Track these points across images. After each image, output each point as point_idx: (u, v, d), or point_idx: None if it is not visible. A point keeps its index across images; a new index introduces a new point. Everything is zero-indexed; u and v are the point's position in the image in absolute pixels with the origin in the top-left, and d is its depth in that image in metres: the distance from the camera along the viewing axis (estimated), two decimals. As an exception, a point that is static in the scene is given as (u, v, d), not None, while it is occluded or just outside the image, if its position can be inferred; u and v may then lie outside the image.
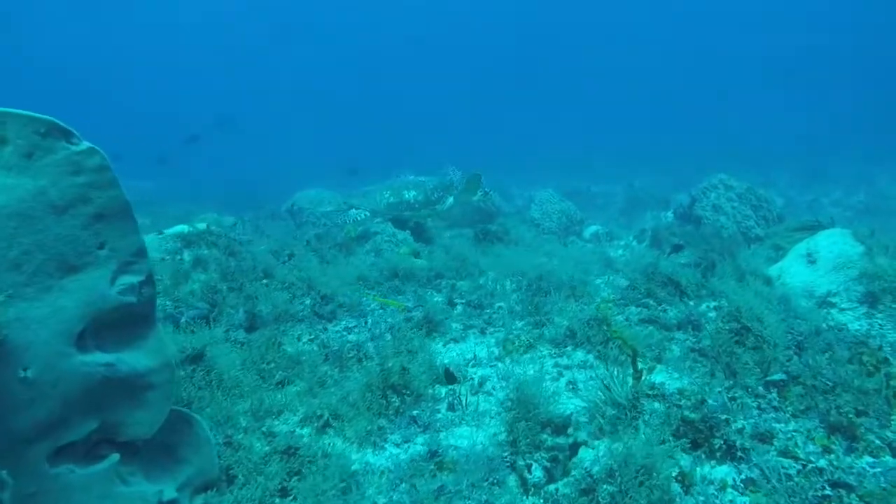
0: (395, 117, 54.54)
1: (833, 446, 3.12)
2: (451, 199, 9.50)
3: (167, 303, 5.34)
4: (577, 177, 22.42)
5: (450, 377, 3.95)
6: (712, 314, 5.05)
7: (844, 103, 42.80)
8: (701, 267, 5.99)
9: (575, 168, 24.80)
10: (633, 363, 3.67)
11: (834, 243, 6.10)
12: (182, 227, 6.06)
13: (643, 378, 3.80)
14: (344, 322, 5.28)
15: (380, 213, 9.24)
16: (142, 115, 54.74)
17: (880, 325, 4.97)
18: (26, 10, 56.20)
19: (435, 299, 5.87)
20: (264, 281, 6.43)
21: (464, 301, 5.68)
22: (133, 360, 2.66)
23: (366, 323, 5.18)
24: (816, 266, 5.98)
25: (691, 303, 5.58)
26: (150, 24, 59.67)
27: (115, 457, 2.56)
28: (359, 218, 8.94)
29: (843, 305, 5.33)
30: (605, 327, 4.35)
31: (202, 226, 6.23)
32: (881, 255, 5.73)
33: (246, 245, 8.58)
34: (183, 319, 5.17)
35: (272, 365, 4.35)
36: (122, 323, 2.67)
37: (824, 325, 4.80)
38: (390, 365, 3.91)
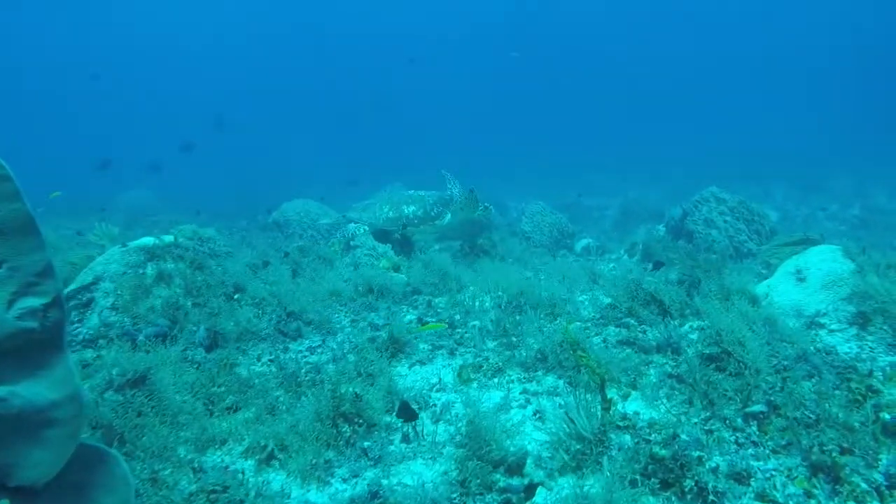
0: (393, 124, 54.19)
1: (815, 490, 2.80)
2: (449, 216, 9.26)
3: (125, 320, 5.06)
4: (573, 188, 22.14)
5: (408, 412, 3.56)
6: (694, 335, 4.74)
7: (844, 111, 42.56)
8: (685, 285, 5.68)
9: (571, 179, 24.54)
10: (602, 392, 3.36)
11: (823, 261, 5.79)
12: (147, 240, 5.77)
13: (614, 408, 3.49)
14: (308, 341, 4.98)
15: (379, 227, 9.02)
16: (138, 119, 54.02)
17: (871, 347, 4.65)
18: (18, 6, 54.88)
19: (407, 317, 5.57)
20: (236, 296, 6.14)
21: (436, 320, 5.37)
22: (31, 392, 2.36)
23: (323, 342, 4.87)
24: (806, 284, 5.68)
25: (675, 322, 5.26)
26: (147, 24, 58.45)
27: (4, 503, 2.26)
28: (358, 232, 8.69)
29: (832, 326, 5.01)
30: (572, 352, 4.03)
31: (169, 238, 5.95)
32: (872, 273, 5.42)
33: (225, 257, 8.31)
34: (140, 337, 4.88)
35: (223, 388, 4.04)
36: (20, 351, 2.37)
37: (811, 349, 4.49)
38: (342, 391, 3.60)
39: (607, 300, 5.74)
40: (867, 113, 39.99)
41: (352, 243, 7.83)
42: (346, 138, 46.92)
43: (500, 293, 6.23)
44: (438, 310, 5.84)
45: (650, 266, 5.90)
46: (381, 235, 8.94)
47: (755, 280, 6.87)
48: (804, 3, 52.46)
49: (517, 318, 5.29)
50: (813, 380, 3.98)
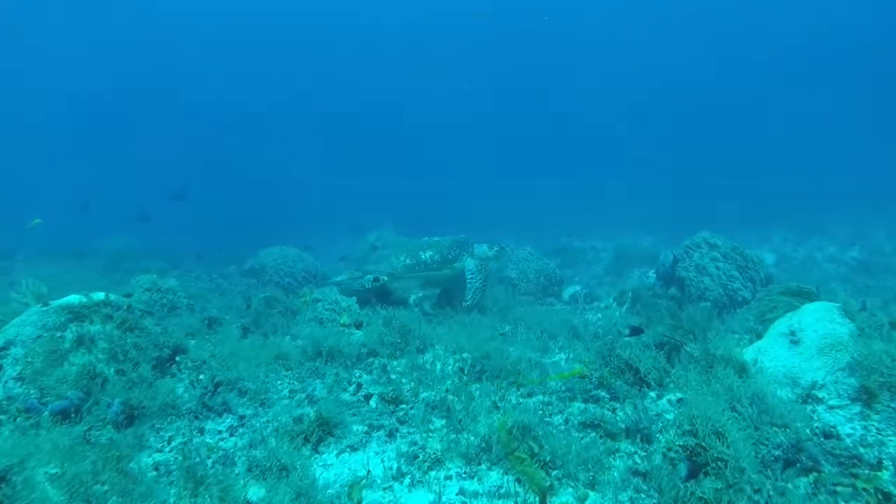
0: (389, 161, 53.54)
1: None
2: (467, 258, 9.00)
3: (32, 391, 4.40)
4: (568, 228, 21.63)
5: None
6: (671, 414, 4.02)
7: (842, 151, 42.01)
8: (665, 349, 4.96)
9: (566, 218, 24.02)
10: (542, 509, 2.65)
11: (819, 320, 5.08)
12: (73, 298, 5.14)
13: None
14: (229, 420, 4.27)
15: (397, 276, 8.83)
16: (131, 157, 52.69)
17: (877, 429, 3.91)
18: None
19: (350, 388, 4.87)
20: (177, 358, 5.50)
21: (378, 394, 4.64)
22: None
23: (241, 421, 4.17)
24: (800, 348, 4.95)
25: (653, 393, 4.56)
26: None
27: None
28: (376, 283, 8.57)
29: (831, 402, 4.27)
30: (506, 456, 3.32)
31: (99, 295, 5.32)
32: (875, 336, 4.70)
33: (184, 311, 7.70)
34: (46, 413, 4.22)
35: (106, 487, 3.34)
36: None
37: (808, 431, 3.76)
38: (235, 495, 2.90)
39: (578, 366, 5.03)
40: (865, 152, 39.46)
41: (313, 296, 7.19)
42: (340, 176, 46.20)
43: (465, 355, 5.57)
44: (393, 376, 5.14)
45: (626, 331, 5.18)
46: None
47: (746, 339, 6.16)
48: (803, 33, 52.04)
49: (474, 387, 4.60)
50: (811, 476, 3.28)
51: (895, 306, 8.12)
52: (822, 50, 53.01)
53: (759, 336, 6.06)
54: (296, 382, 5.02)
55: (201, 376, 4.96)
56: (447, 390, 4.66)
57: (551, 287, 11.12)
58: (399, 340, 5.92)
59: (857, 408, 4.12)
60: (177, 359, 5.50)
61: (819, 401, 4.32)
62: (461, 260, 8.94)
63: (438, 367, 5.37)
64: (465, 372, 5.24)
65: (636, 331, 5.04)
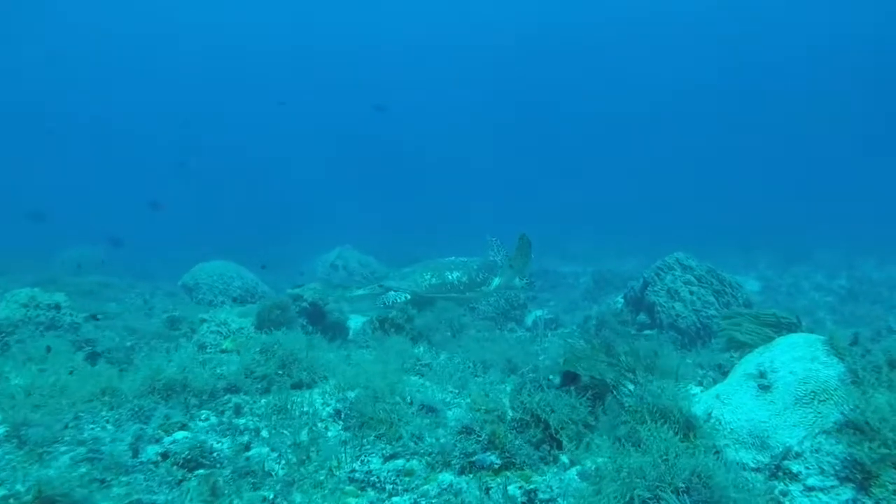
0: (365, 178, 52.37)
1: None
2: (496, 281, 8.53)
3: None
4: (551, 251, 20.43)
5: None
6: (570, 501, 2.59)
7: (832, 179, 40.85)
8: (588, 393, 3.54)
9: (549, 243, 22.76)
10: None
11: (798, 359, 3.66)
12: None
13: None
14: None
15: (421, 295, 8.14)
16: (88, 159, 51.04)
17: (880, 529, 2.48)
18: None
19: (174, 435, 3.46)
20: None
21: (210, 442, 3.21)
22: None
23: None
24: (771, 395, 3.52)
25: (565, 458, 3.14)
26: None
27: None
28: (398, 300, 7.84)
29: (810, 480, 2.82)
30: None
31: None
32: (874, 382, 3.25)
33: (65, 329, 6.39)
34: None
35: None
36: None
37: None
38: None
39: (476, 415, 3.60)
40: (855, 180, 38.28)
41: (201, 316, 5.85)
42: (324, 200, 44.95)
43: (351, 393, 4.20)
44: (242, 420, 3.74)
45: (559, 380, 3.75)
46: (420, 304, 7.83)
47: (710, 377, 4.74)
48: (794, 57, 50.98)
49: (329, 441, 3.21)
50: None
51: (891, 339, 6.68)
52: (823, 79, 51.96)
53: (724, 373, 4.64)
54: (109, 427, 3.63)
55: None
56: (295, 444, 3.26)
57: (512, 311, 9.78)
58: (279, 372, 4.53)
59: (847, 492, 2.68)
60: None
61: (793, 477, 2.88)
62: (489, 283, 8.43)
63: (314, 408, 4.00)
64: (342, 417, 3.87)
65: (571, 378, 3.59)
